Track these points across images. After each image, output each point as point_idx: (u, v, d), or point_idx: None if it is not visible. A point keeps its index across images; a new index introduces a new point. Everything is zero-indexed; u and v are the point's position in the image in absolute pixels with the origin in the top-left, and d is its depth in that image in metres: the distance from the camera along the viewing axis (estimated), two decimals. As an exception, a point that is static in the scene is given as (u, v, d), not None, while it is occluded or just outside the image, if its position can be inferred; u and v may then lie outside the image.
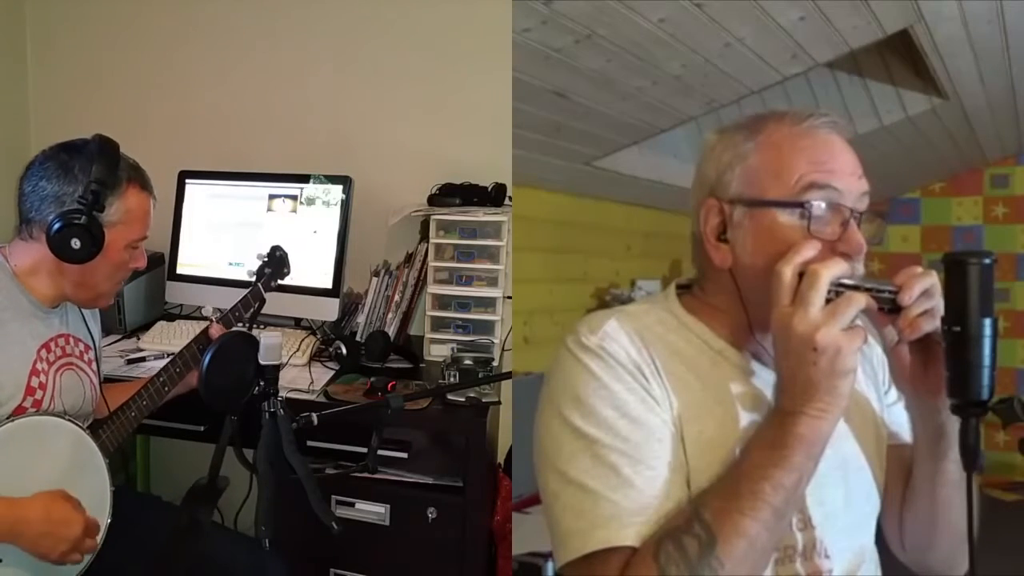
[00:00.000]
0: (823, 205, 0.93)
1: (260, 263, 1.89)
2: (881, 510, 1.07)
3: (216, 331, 1.77)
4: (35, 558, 1.41)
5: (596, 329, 0.96)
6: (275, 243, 1.94)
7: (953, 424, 0.91)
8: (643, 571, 0.85)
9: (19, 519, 1.39)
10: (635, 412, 0.91)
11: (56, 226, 1.48)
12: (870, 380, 1.11)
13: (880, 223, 0.99)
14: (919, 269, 0.90)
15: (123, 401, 1.67)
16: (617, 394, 0.92)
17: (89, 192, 1.48)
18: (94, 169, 1.50)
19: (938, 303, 0.89)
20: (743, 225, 0.96)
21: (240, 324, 1.82)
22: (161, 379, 1.68)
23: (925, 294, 0.89)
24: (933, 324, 0.89)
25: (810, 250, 0.90)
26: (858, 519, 1.03)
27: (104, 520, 1.53)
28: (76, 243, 1.48)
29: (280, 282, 1.92)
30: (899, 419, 1.09)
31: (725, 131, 1.02)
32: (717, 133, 1.03)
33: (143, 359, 2.14)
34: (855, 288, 0.89)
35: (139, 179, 1.59)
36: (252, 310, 1.83)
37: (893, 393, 1.11)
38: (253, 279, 1.87)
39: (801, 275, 0.89)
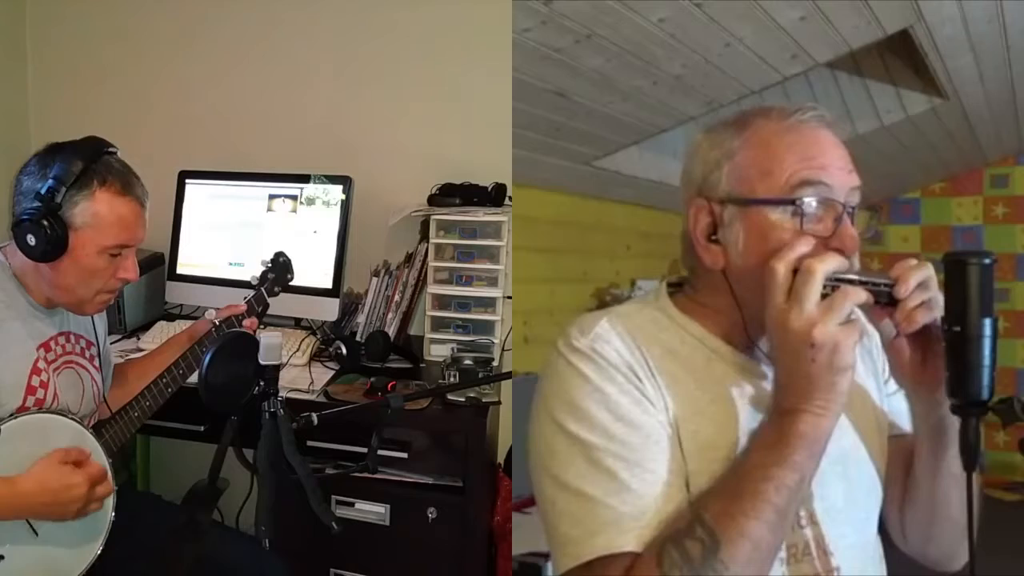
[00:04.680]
0: (815, 202, 0.91)
1: (263, 269, 1.89)
2: (883, 501, 1.05)
3: (249, 323, 1.81)
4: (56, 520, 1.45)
5: (587, 331, 0.94)
6: (279, 249, 1.94)
7: (954, 418, 0.90)
8: None
9: (16, 495, 1.40)
10: (630, 414, 0.90)
11: (15, 221, 1.47)
12: (869, 370, 1.09)
13: (871, 215, 0.97)
14: (914, 261, 0.89)
15: (148, 377, 1.70)
16: (610, 396, 0.91)
17: (46, 188, 1.45)
18: (56, 166, 1.46)
19: (935, 295, 0.88)
20: (734, 225, 0.95)
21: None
22: (164, 380, 1.68)
23: (921, 286, 0.88)
24: (930, 316, 0.88)
25: (804, 246, 0.89)
26: (860, 513, 1.02)
27: (108, 517, 1.54)
28: (31, 239, 1.45)
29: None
30: (900, 408, 1.07)
31: (711, 129, 1.00)
32: (703, 132, 1.01)
33: (143, 359, 2.14)
34: (850, 282, 0.88)
35: (119, 183, 1.50)
36: (255, 315, 1.83)
37: (893, 383, 1.10)
38: (256, 284, 1.87)
39: (795, 271, 0.88)
